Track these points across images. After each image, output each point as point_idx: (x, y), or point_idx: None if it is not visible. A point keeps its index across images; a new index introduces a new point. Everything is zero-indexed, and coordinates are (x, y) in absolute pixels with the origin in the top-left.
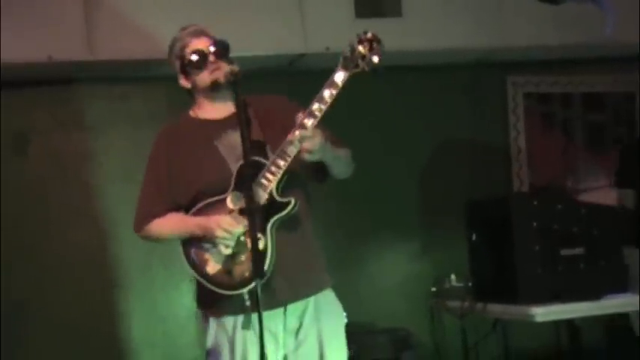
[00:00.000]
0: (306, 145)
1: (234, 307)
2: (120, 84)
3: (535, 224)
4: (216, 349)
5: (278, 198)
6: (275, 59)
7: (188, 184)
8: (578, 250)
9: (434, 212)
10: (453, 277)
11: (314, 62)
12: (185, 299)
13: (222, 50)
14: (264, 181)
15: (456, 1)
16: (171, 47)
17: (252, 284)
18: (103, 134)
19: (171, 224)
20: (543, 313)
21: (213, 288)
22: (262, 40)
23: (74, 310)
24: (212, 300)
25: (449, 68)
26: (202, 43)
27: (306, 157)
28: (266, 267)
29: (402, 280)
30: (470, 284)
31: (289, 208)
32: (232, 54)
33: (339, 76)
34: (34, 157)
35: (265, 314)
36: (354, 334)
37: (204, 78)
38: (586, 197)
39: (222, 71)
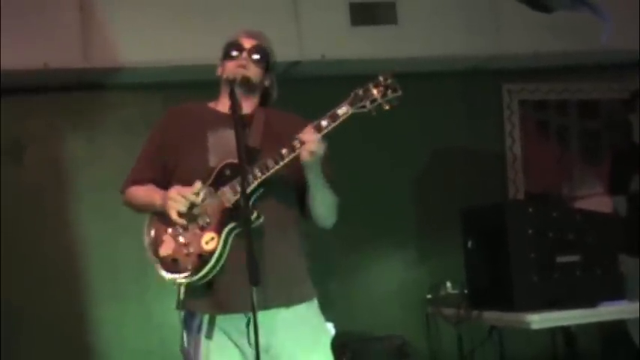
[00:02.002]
0: (310, 146)
1: (208, 305)
2: (115, 91)
3: (530, 231)
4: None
5: (243, 208)
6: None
7: (171, 165)
8: (574, 258)
9: (429, 220)
10: (448, 284)
11: (309, 70)
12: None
13: (259, 53)
14: (237, 186)
15: (451, 9)
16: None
17: (191, 279)
18: (98, 141)
19: (143, 193)
20: (539, 320)
21: (159, 269)
22: None
23: (68, 317)
24: (186, 295)
25: (444, 76)
26: (247, 42)
27: (305, 156)
28: (207, 268)
29: (398, 288)
30: (465, 291)
31: (253, 223)
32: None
33: (342, 110)
34: (30, 164)
35: (227, 317)
36: (350, 342)
37: (228, 68)
38: (581, 204)
39: (245, 71)
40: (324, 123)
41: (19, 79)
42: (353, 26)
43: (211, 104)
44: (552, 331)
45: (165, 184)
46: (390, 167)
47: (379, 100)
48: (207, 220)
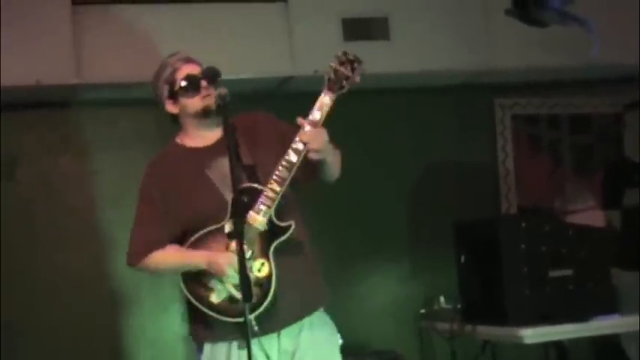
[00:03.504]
0: (314, 145)
1: (229, 332)
2: (108, 107)
3: (523, 246)
4: None
5: (277, 222)
6: (263, 82)
7: (181, 216)
8: (567, 272)
9: (422, 234)
10: (441, 298)
11: (302, 85)
12: (174, 323)
13: (214, 76)
14: (262, 207)
15: (443, 24)
16: (160, 72)
17: (259, 310)
18: (91, 157)
19: (173, 257)
20: (532, 334)
21: (219, 317)
22: (250, 62)
23: (63, 333)
24: (207, 326)
25: (436, 90)
26: (193, 69)
27: (314, 156)
28: (272, 292)
29: (391, 302)
30: (459, 306)
31: (290, 231)
32: (220, 77)
33: (327, 99)
34: (23, 180)
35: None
36: (344, 356)
37: (195, 103)
38: (574, 219)
39: (212, 97)
40: (317, 115)
41: (11, 95)
42: (345, 41)
43: (179, 142)
44: (545, 346)
45: (178, 238)
46: (383, 181)
47: (352, 76)
48: (251, 251)
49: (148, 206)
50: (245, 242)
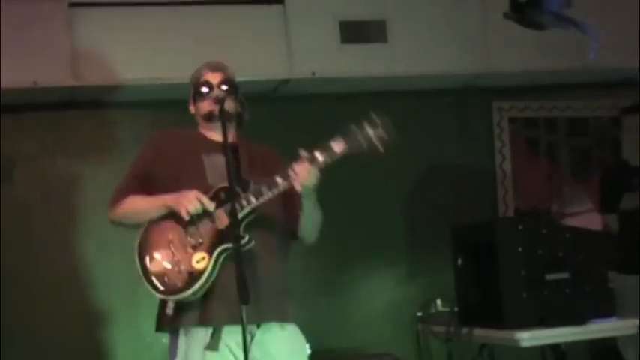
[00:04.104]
0: (301, 178)
1: (205, 317)
2: (105, 109)
3: (520, 249)
4: None
5: (236, 230)
6: (260, 84)
7: (163, 187)
8: (564, 275)
9: (420, 237)
10: (438, 301)
11: (299, 87)
12: None
13: (228, 85)
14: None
15: (441, 27)
16: (192, 74)
17: (179, 295)
18: (88, 159)
19: (142, 198)
20: (529, 337)
21: (146, 284)
22: (247, 65)
23: (59, 335)
24: (181, 310)
25: (434, 93)
26: (214, 77)
27: (297, 187)
28: (197, 286)
29: (388, 305)
30: (456, 309)
31: (242, 242)
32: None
33: (339, 149)
34: (20, 182)
35: (226, 329)
36: (341, 359)
37: (203, 107)
38: (571, 222)
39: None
40: (319, 158)
41: (8, 97)
42: (343, 44)
43: (197, 132)
44: (542, 349)
45: None
46: (381, 184)
47: (375, 142)
48: (200, 240)
49: (139, 163)
50: (199, 228)
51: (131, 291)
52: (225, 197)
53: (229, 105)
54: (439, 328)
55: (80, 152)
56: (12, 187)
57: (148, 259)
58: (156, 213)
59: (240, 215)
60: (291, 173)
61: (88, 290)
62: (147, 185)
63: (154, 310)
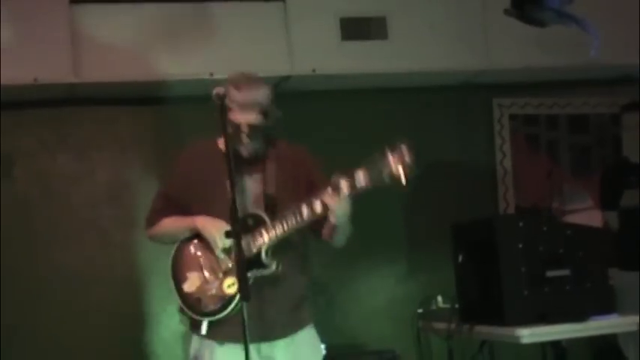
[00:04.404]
0: (336, 212)
1: (219, 333)
2: (106, 106)
3: (521, 246)
4: None
5: (264, 258)
6: None
7: (196, 205)
8: (564, 272)
9: (420, 234)
10: (439, 298)
11: (300, 84)
12: (172, 322)
13: (260, 98)
14: (258, 237)
15: (441, 24)
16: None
17: (212, 318)
18: (88, 156)
19: (174, 220)
20: (530, 334)
21: (180, 304)
22: (248, 61)
23: (60, 332)
24: (199, 321)
25: (435, 90)
26: (246, 88)
27: (332, 219)
28: (229, 310)
29: (389, 302)
30: (456, 306)
31: (269, 271)
32: (218, 76)
33: (362, 179)
34: (19, 179)
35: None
36: (341, 356)
37: (230, 118)
38: (572, 219)
39: (250, 119)
40: (344, 189)
41: (8, 93)
42: (344, 41)
43: (220, 145)
44: (543, 346)
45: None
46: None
47: (396, 176)
48: (230, 265)
49: (167, 188)
50: (229, 256)
51: (132, 286)
52: (254, 224)
53: (257, 118)
54: (440, 325)
55: (80, 149)
56: (12, 183)
57: (182, 279)
58: (187, 234)
59: (268, 245)
60: (317, 206)
61: (88, 287)
62: (178, 204)
63: (156, 308)
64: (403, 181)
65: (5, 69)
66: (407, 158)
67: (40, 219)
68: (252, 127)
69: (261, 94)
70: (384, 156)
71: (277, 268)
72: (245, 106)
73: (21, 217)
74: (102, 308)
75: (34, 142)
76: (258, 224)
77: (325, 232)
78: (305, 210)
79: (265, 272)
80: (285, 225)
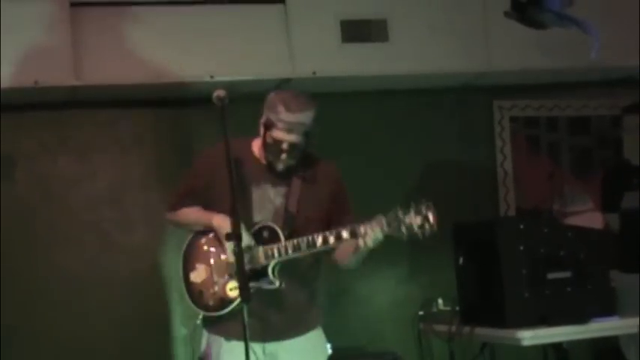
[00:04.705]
0: (370, 239)
1: (223, 328)
2: (107, 109)
3: (522, 248)
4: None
5: (269, 272)
6: (261, 84)
7: (216, 206)
8: (565, 274)
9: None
10: (440, 300)
11: (301, 87)
12: (172, 322)
13: (305, 126)
14: (270, 253)
15: (442, 26)
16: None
17: (208, 314)
18: (89, 159)
19: (195, 213)
20: (531, 336)
21: (185, 292)
22: (249, 64)
23: (61, 334)
24: (210, 318)
25: (435, 92)
26: (295, 117)
27: (362, 245)
28: (225, 311)
29: (390, 304)
30: (457, 308)
31: (272, 287)
32: (219, 78)
33: (378, 231)
34: (20, 182)
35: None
36: (343, 359)
37: (270, 135)
38: (573, 220)
39: (291, 139)
40: (361, 240)
41: (9, 96)
42: (344, 43)
43: (254, 147)
44: (544, 348)
45: None
46: (382, 183)
47: (416, 229)
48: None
49: (193, 180)
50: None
51: (132, 286)
52: (269, 237)
53: (297, 139)
54: (441, 328)
55: (81, 152)
56: (13, 186)
57: (191, 268)
58: (203, 226)
59: (272, 263)
60: (331, 239)
61: (89, 289)
62: (199, 200)
63: (159, 308)
64: (420, 236)
65: (6, 71)
66: (430, 219)
67: (41, 221)
68: (293, 146)
69: (309, 117)
70: (407, 213)
71: (280, 285)
72: (292, 127)
73: (22, 220)
74: (102, 310)
75: (35, 145)
76: (272, 238)
77: (339, 255)
78: (319, 239)
79: (268, 287)
80: (296, 248)
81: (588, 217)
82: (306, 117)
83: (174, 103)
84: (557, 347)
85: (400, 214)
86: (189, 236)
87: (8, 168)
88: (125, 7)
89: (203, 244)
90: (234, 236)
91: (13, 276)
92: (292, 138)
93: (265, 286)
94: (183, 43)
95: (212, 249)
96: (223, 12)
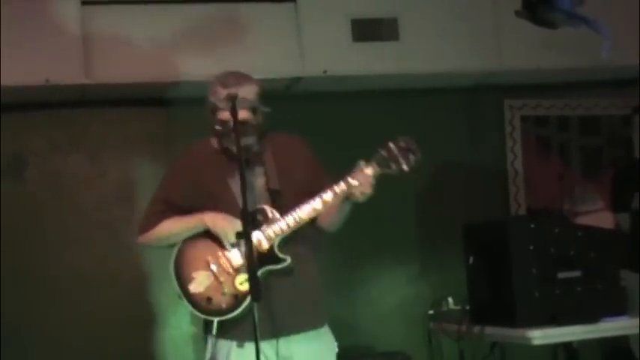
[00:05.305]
0: (365, 189)
1: (230, 331)
2: (117, 108)
3: (532, 247)
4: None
5: (277, 252)
6: (272, 83)
7: (196, 209)
8: (576, 273)
9: (431, 235)
10: (450, 300)
11: (311, 86)
12: (181, 321)
13: (248, 97)
14: (270, 233)
15: (452, 25)
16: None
17: (225, 317)
18: (100, 157)
19: (177, 221)
20: (541, 336)
21: (189, 306)
22: (259, 63)
23: (70, 333)
24: (210, 322)
25: (446, 92)
26: (234, 90)
27: (360, 197)
28: (242, 308)
29: (400, 303)
30: (467, 307)
31: (283, 265)
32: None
33: (369, 170)
34: (31, 180)
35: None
36: (352, 357)
37: (216, 119)
38: (583, 220)
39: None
40: (355, 183)
41: (20, 94)
42: (355, 42)
43: (215, 144)
44: (554, 347)
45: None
46: (392, 182)
47: (401, 163)
48: (241, 261)
49: (165, 192)
50: (240, 250)
51: (140, 287)
52: (263, 218)
53: (246, 115)
54: (451, 327)
55: (91, 150)
56: (23, 185)
57: (187, 280)
58: (192, 232)
59: (280, 238)
60: (342, 186)
61: (99, 288)
62: (179, 208)
63: (167, 308)
64: (405, 169)
65: (17, 70)
66: (413, 148)
67: (51, 220)
68: (243, 124)
69: (250, 92)
70: (390, 149)
71: (290, 264)
72: (234, 104)
73: (32, 218)
74: (112, 309)
75: (45, 144)
76: (267, 219)
77: (323, 217)
78: (329, 194)
79: (279, 267)
80: (297, 218)
81: (599, 217)
82: (246, 91)
83: (184, 102)
84: (567, 347)
85: (384, 152)
86: (174, 252)
87: (19, 167)
88: (136, 6)
89: (193, 252)
90: (245, 236)
91: (24, 274)
92: (239, 115)
93: (276, 267)
94: (194, 42)
95: (207, 252)
96: (234, 11)
